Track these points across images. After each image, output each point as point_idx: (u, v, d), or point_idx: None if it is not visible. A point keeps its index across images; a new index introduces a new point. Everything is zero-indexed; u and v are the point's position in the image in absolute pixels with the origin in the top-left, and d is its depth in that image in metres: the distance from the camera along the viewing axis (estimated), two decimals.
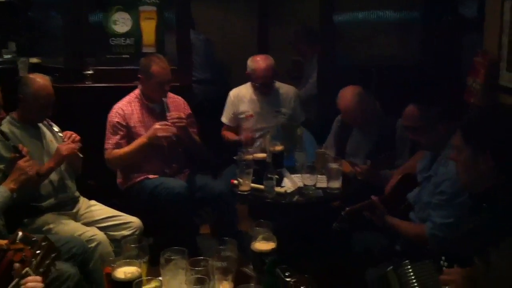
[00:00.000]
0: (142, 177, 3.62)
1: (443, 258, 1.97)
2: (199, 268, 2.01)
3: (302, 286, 2.01)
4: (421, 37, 4.95)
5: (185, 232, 3.57)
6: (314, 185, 3.17)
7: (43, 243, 1.79)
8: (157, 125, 3.48)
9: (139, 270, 1.96)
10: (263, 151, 3.72)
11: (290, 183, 3.30)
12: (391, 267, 2.09)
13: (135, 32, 4.36)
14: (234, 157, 4.14)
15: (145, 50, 4.34)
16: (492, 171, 1.97)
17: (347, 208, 2.83)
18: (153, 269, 2.15)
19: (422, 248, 2.63)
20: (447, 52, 4.70)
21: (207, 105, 4.83)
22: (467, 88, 3.73)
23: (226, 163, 4.20)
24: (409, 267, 2.04)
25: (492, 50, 3.59)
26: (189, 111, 3.84)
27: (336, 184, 3.21)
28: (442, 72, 4.58)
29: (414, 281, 2.01)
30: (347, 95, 3.58)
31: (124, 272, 1.95)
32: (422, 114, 2.75)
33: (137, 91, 3.72)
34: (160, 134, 3.46)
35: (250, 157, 3.45)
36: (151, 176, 3.62)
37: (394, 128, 3.49)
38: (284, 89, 4.20)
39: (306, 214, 3.33)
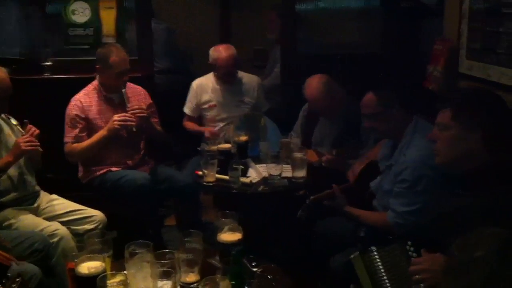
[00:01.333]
0: (104, 170, 3.55)
1: (409, 243, 1.98)
2: (165, 261, 1.99)
3: (269, 275, 2.01)
4: (381, 24, 4.99)
5: (149, 225, 3.53)
6: (279, 175, 3.16)
7: (17, 279, 1.76)
8: (116, 117, 3.42)
9: (103, 264, 1.92)
10: (227, 141, 3.70)
11: (255, 173, 3.29)
12: (357, 252, 2.08)
13: (95, 22, 4.27)
14: (198, 148, 4.12)
15: (105, 40, 4.25)
16: (478, 152, 1.99)
17: (312, 197, 2.84)
18: (117, 263, 2.12)
19: (386, 233, 2.66)
20: (407, 39, 4.75)
21: (170, 95, 4.77)
22: (427, 75, 3.78)
23: (190, 154, 4.19)
24: (375, 252, 2.03)
25: (452, 37, 3.65)
26: (150, 101, 3.78)
27: (301, 173, 3.21)
28: (403, 60, 4.64)
29: (380, 266, 2.01)
30: (314, 84, 3.59)
31: (87, 267, 1.91)
32: (379, 101, 2.76)
33: (95, 82, 3.64)
34: (119, 126, 3.40)
35: (214, 147, 3.42)
36: (113, 169, 3.56)
37: (359, 117, 3.52)
38: (247, 78, 4.18)
39: (272, 203, 3.33)
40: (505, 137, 2.05)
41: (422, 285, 1.86)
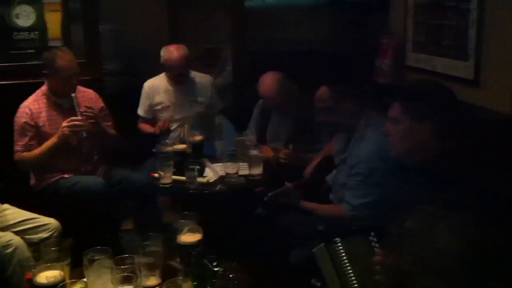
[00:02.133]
0: (57, 177, 3.48)
1: (372, 233, 2.02)
2: (125, 266, 1.96)
3: (231, 274, 2.01)
4: (330, 20, 5.06)
5: (106, 230, 3.48)
6: (236, 173, 3.17)
7: None
8: (65, 123, 3.34)
9: (62, 273, 1.89)
10: (182, 142, 3.68)
11: (212, 172, 3.29)
12: (322, 244, 2.11)
13: (40, 25, 4.16)
14: (153, 150, 4.08)
15: (51, 43, 4.15)
16: (430, 143, 2.05)
17: (269, 194, 2.85)
18: (75, 271, 2.08)
19: (344, 226, 2.70)
20: (355, 34, 4.84)
21: (121, 97, 4.70)
22: (376, 69, 3.87)
23: (144, 156, 4.14)
24: (339, 244, 2.06)
25: (398, 31, 3.75)
26: (101, 104, 3.72)
27: (258, 170, 3.23)
28: (351, 54, 4.72)
29: (344, 257, 2.04)
30: (268, 81, 3.61)
31: (46, 276, 1.87)
32: (332, 95, 2.80)
33: (44, 88, 3.55)
34: (69, 131, 3.34)
35: (170, 149, 3.40)
36: (66, 175, 3.49)
37: (313, 113, 3.56)
38: (200, 78, 4.16)
39: (230, 202, 3.33)
40: (453, 127, 2.13)
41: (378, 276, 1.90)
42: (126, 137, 3.89)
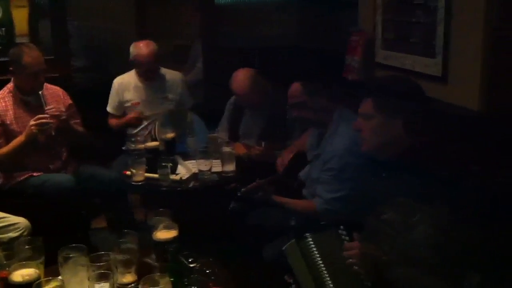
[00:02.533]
0: (26, 175, 3.42)
1: (341, 227, 2.05)
2: (101, 263, 1.95)
3: (208, 269, 2.02)
4: (300, 16, 5.09)
5: (76, 229, 3.43)
6: (209, 170, 3.17)
7: None
8: (32, 121, 3.28)
9: (37, 271, 1.87)
10: (153, 139, 3.66)
11: (184, 169, 3.28)
12: (293, 240, 2.12)
13: (6, 21, 4.09)
14: (123, 148, 4.05)
15: (18, 40, 4.08)
16: (401, 138, 2.10)
17: (243, 189, 2.86)
18: (49, 270, 2.05)
19: (316, 221, 2.73)
20: (324, 30, 4.88)
21: (89, 94, 4.64)
22: (346, 66, 3.91)
23: (114, 153, 4.10)
24: (310, 239, 2.07)
25: (368, 28, 3.79)
26: (69, 101, 3.66)
27: (231, 167, 3.24)
28: (321, 51, 4.76)
29: (315, 252, 2.06)
30: (241, 78, 3.62)
31: (21, 275, 1.85)
32: (304, 90, 2.83)
33: (10, 85, 3.48)
34: (36, 130, 3.28)
35: (142, 146, 3.37)
36: (35, 174, 3.43)
37: (284, 108, 3.58)
38: (170, 75, 4.13)
39: (204, 199, 3.32)
40: (423, 122, 2.18)
41: (356, 268, 1.93)
42: (95, 135, 3.84)
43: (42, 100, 3.37)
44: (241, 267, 2.78)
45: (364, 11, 3.90)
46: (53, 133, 3.36)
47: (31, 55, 3.36)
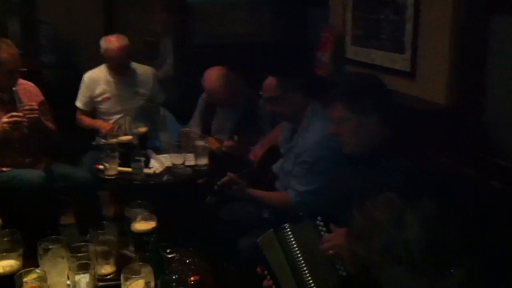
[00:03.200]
0: None
1: (319, 218, 2.09)
2: (81, 254, 1.95)
3: (188, 259, 2.04)
4: (271, 13, 5.13)
5: (45, 224, 3.39)
6: (183, 164, 3.18)
7: None
8: (5, 119, 3.23)
9: (17, 262, 1.86)
10: (124, 134, 3.64)
11: (157, 163, 3.29)
12: (271, 230, 2.15)
13: None
14: (93, 143, 4.01)
15: None
16: (378, 132, 2.18)
17: (219, 182, 2.87)
18: (26, 262, 2.03)
19: (290, 213, 2.76)
20: (295, 27, 4.94)
21: (57, 90, 4.59)
22: (317, 62, 3.98)
23: (84, 149, 4.07)
24: (288, 229, 2.10)
25: (338, 25, 3.86)
26: (41, 98, 3.61)
27: (204, 161, 3.26)
28: (293, 47, 4.81)
29: (293, 242, 2.08)
30: (213, 76, 3.64)
31: (1, 266, 1.83)
32: (279, 84, 2.85)
33: None
34: (9, 128, 3.23)
35: (114, 140, 3.36)
36: (4, 169, 3.38)
37: (257, 105, 3.62)
38: (142, 69, 4.13)
39: (178, 192, 3.34)
40: (394, 114, 2.26)
41: (335, 257, 1.98)
42: (65, 131, 3.80)
43: (15, 97, 3.32)
44: (218, 259, 2.82)
45: (334, 8, 3.97)
46: (26, 131, 3.31)
47: (8, 52, 3.31)
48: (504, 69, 2.68)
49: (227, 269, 2.78)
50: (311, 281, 2.03)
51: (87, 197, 3.59)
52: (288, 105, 2.84)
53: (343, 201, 2.17)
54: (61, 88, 4.53)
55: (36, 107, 3.38)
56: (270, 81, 2.88)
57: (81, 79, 4.10)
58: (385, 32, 3.34)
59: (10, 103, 3.35)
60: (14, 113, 3.24)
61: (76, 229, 3.70)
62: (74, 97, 4.12)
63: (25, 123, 3.27)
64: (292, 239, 2.10)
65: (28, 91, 3.53)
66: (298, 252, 2.09)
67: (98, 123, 3.99)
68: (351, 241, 1.69)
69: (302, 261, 2.07)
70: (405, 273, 1.45)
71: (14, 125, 3.23)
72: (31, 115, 3.30)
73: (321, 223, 2.08)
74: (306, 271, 2.05)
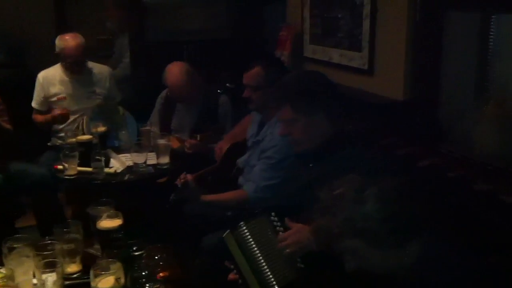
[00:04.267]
0: None
1: (272, 214, 2.12)
2: (47, 253, 1.92)
3: (156, 255, 2.03)
4: (227, 10, 5.14)
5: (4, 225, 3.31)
6: (144, 162, 3.15)
7: None
8: None
9: None
10: (82, 134, 3.58)
11: (118, 163, 3.25)
12: (228, 230, 2.13)
13: None
14: (48, 144, 3.94)
15: None
16: (326, 128, 2.23)
17: (182, 180, 2.86)
18: None
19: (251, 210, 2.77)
20: (252, 24, 4.97)
21: (7, 89, 4.46)
22: None
23: (40, 150, 3.99)
24: (244, 227, 2.10)
25: (295, 23, 3.91)
26: None
27: (165, 159, 3.24)
28: (249, 44, 4.84)
29: (250, 239, 2.09)
30: (175, 72, 3.63)
31: None
32: (265, 75, 2.89)
33: None
34: None
35: (73, 140, 3.29)
36: None
37: (217, 103, 3.63)
38: (98, 68, 4.06)
39: (137, 191, 3.30)
40: (340, 108, 2.31)
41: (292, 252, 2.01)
42: (21, 132, 3.71)
43: None
44: (184, 255, 2.81)
45: (292, 6, 4.02)
46: None
47: None
48: (458, 64, 2.79)
49: (193, 265, 2.77)
50: (270, 275, 2.05)
51: (46, 195, 3.52)
52: (265, 97, 2.86)
53: (300, 195, 2.22)
54: (12, 88, 4.41)
55: None
56: (256, 70, 2.91)
57: (31, 78, 3.99)
58: (343, 30, 3.41)
59: None
60: None
61: (35, 231, 3.63)
62: (25, 96, 4.01)
63: None
64: (248, 236, 2.10)
65: None
66: (255, 248, 2.09)
67: (49, 116, 3.87)
68: (314, 216, 1.74)
69: (260, 257, 2.08)
70: (363, 244, 1.52)
71: None
72: None
73: (275, 218, 2.11)
74: (265, 266, 2.07)
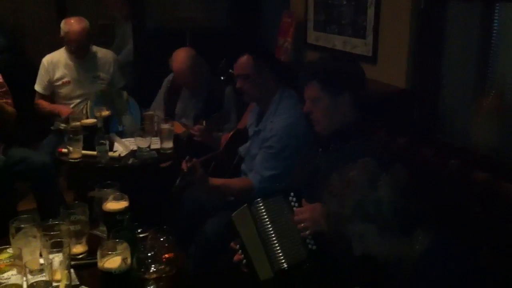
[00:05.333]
0: None
1: (292, 194, 2.14)
2: (54, 233, 1.94)
3: (162, 236, 2.06)
4: None
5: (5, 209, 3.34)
6: (148, 147, 3.17)
7: None
8: None
9: None
10: (86, 117, 3.59)
11: (121, 147, 3.27)
12: (245, 205, 2.17)
13: None
14: (51, 127, 3.95)
15: None
16: (348, 112, 2.26)
17: (190, 164, 2.84)
18: None
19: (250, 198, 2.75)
20: (251, 12, 4.96)
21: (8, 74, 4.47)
22: (278, 47, 4.03)
23: (42, 134, 4.00)
24: (261, 204, 2.13)
25: (299, 11, 3.92)
26: (1, 80, 3.53)
27: (169, 144, 3.25)
28: (250, 32, 4.84)
29: (265, 216, 2.12)
30: (182, 57, 3.63)
31: None
32: (253, 63, 2.86)
33: None
34: None
35: (78, 123, 3.31)
36: None
37: (222, 92, 3.64)
38: (102, 53, 4.07)
39: (140, 175, 3.32)
40: (363, 96, 2.34)
41: (307, 232, 2.04)
42: (22, 115, 3.72)
43: None
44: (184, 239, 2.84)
45: None
46: None
47: None
48: (460, 53, 2.80)
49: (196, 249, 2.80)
50: (280, 254, 2.08)
51: (46, 181, 3.54)
52: (258, 85, 2.86)
53: (308, 183, 2.24)
54: (12, 72, 4.42)
55: None
56: (244, 59, 2.89)
57: (31, 63, 4.01)
58: (347, 17, 3.42)
59: None
60: None
61: (36, 214, 3.65)
62: (26, 80, 4.01)
63: None
64: (264, 212, 2.13)
65: None
66: (269, 225, 2.12)
67: (58, 108, 3.92)
68: (325, 198, 1.76)
69: (273, 234, 2.11)
70: (373, 230, 1.54)
71: None
72: None
73: (294, 198, 2.13)
74: (277, 244, 2.09)
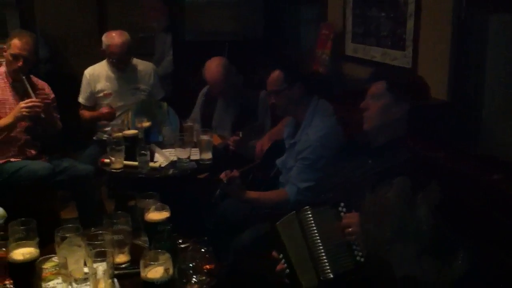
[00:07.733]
0: (4, 160, 3.41)
1: (342, 204, 2.10)
2: (98, 242, 1.98)
3: (202, 247, 2.09)
4: (263, 11, 5.18)
5: (46, 218, 3.42)
6: (188, 158, 3.20)
7: None
8: (22, 104, 3.29)
9: (37, 250, 1.88)
10: (127, 128, 3.67)
11: (162, 157, 3.32)
12: (293, 212, 2.17)
13: None
14: (94, 138, 4.05)
15: None
16: (401, 122, 2.25)
17: (230, 176, 2.85)
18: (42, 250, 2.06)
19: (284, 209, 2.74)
20: (288, 24, 4.99)
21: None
22: (316, 59, 4.03)
23: (84, 144, 4.10)
24: (309, 212, 2.12)
25: (337, 22, 3.92)
26: (53, 95, 3.67)
27: (208, 155, 3.28)
28: (285, 44, 4.86)
29: (313, 224, 2.11)
30: (214, 66, 3.67)
31: (22, 253, 1.85)
32: (284, 77, 2.87)
33: (1, 69, 3.54)
34: (27, 112, 3.28)
35: (119, 134, 3.38)
36: (12, 159, 3.43)
37: (256, 100, 3.66)
38: (142, 65, 4.15)
39: (178, 187, 3.36)
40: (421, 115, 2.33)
41: (354, 237, 2.00)
42: (66, 125, 3.83)
43: (27, 85, 3.38)
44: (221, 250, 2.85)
45: (333, 6, 4.03)
46: (43, 116, 3.37)
47: (21, 39, 3.41)
48: (503, 67, 2.75)
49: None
50: (326, 263, 2.06)
51: (88, 190, 3.62)
52: (290, 99, 2.87)
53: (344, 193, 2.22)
54: (56, 83, 4.55)
55: (50, 98, 3.52)
56: (275, 74, 2.90)
57: (73, 74, 4.13)
58: (386, 29, 3.40)
59: (23, 94, 3.44)
60: (33, 99, 3.32)
61: (77, 223, 3.73)
62: (68, 91, 4.12)
63: (41, 111, 3.32)
64: (311, 221, 2.12)
65: (41, 88, 3.59)
66: (316, 234, 2.10)
67: (99, 112, 4.01)
68: (362, 220, 1.74)
69: (320, 243, 2.09)
70: (413, 252, 1.51)
71: (31, 110, 3.28)
72: (46, 105, 3.38)
73: (344, 209, 2.09)
74: (323, 253, 2.07)
